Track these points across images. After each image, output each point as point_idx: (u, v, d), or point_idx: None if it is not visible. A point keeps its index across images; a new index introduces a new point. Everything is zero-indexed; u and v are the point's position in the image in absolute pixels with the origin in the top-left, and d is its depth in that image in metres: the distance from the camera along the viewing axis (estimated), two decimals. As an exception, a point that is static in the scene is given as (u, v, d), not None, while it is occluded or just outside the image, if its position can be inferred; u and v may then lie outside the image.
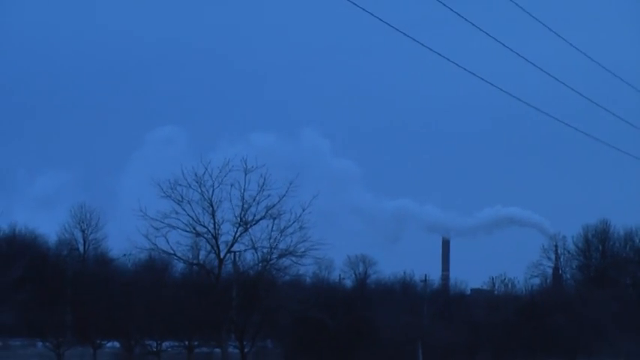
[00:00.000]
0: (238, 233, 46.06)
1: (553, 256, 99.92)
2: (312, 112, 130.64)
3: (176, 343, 48.13)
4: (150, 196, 48.00)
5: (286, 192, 44.33)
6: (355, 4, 23.93)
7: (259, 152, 47.88)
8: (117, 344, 46.83)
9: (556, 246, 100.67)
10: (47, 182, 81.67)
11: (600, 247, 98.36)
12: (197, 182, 44.50)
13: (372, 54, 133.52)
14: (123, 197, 75.86)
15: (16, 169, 79.87)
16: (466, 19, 29.27)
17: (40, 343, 45.03)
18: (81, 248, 47.46)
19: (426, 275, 74.56)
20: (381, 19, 26.44)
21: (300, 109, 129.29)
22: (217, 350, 48.10)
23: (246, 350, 47.58)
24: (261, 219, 45.43)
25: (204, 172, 44.43)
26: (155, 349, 47.05)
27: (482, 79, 34.59)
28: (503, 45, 33.07)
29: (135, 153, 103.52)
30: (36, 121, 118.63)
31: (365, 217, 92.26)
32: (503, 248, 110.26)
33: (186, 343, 47.97)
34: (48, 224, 57.91)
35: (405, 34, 29.40)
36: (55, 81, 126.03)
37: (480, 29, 30.78)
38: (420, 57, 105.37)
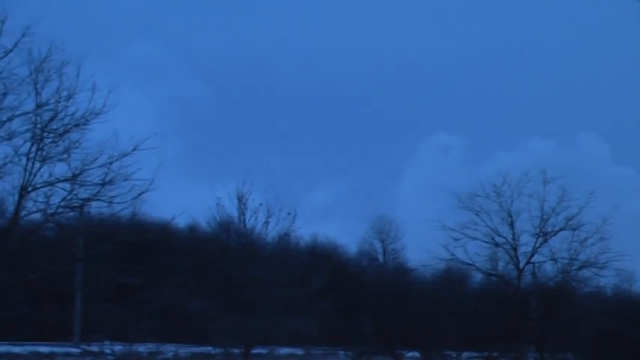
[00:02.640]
0: (538, 244, 46.04)
1: None
2: (588, 115, 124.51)
3: (475, 354, 48.26)
4: (435, 205, 48.59)
5: (586, 203, 44.05)
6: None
7: (537, 159, 47.56)
8: (416, 354, 47.41)
9: None
10: (326, 192, 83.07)
11: None
12: (496, 193, 44.89)
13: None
14: (404, 206, 76.64)
15: (295, 180, 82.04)
16: None
17: (341, 352, 46.18)
18: (380, 258, 48.32)
19: None
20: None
21: (575, 112, 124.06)
22: None
23: (547, 362, 47.32)
24: (560, 230, 45.28)
25: (503, 183, 44.81)
26: (455, 359, 47.39)
27: None
28: None
29: (411, 162, 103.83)
30: (311, 132, 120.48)
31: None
32: None
33: (485, 353, 48.03)
34: (336, 234, 59.71)
35: None
36: (328, 91, 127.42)
37: None
38: None
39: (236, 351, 37.14)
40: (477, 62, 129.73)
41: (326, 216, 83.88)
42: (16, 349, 39.05)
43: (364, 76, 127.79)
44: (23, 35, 23.89)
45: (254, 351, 38.00)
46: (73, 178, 24.82)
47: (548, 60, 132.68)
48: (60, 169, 24.83)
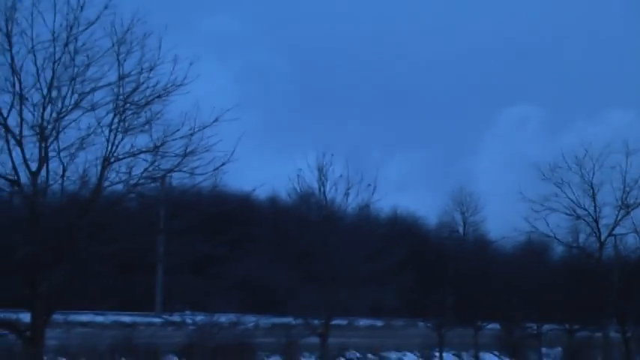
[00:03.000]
0: (620, 216, 45.78)
1: None
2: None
3: (556, 326, 48.04)
4: (516, 176, 48.08)
5: None
6: None
7: (618, 130, 47.17)
8: (497, 326, 47.32)
9: None
10: (405, 163, 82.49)
11: None
12: (577, 165, 44.63)
13: None
14: (484, 178, 76.08)
15: (374, 152, 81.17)
16: None
17: (421, 323, 46.23)
18: (460, 230, 48.25)
19: None
20: None
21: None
22: (598, 334, 47.80)
23: (628, 335, 46.95)
24: (640, 204, 44.98)
25: (585, 155, 44.46)
26: (535, 332, 47.22)
27: None
28: None
29: (488, 133, 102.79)
30: (390, 103, 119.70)
31: None
32: None
33: (566, 326, 47.78)
34: (416, 206, 59.69)
35: None
36: (405, 62, 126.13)
37: None
38: None
39: (316, 322, 37.29)
40: (555, 35, 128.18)
41: (405, 188, 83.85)
42: (99, 319, 39.87)
43: (443, 48, 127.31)
44: (105, 7, 23.86)
45: (334, 322, 38.06)
46: (155, 149, 24.93)
47: (624, 32, 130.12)
48: (142, 141, 24.95)
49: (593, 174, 45.15)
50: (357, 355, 42.68)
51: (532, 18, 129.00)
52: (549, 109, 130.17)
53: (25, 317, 25.00)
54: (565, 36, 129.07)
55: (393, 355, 44.36)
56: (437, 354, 44.48)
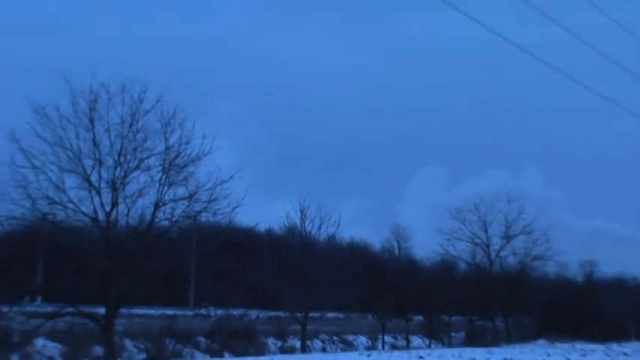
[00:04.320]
0: (503, 244, 45.91)
1: None
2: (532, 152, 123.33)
3: (461, 317, 47.87)
4: (434, 216, 47.59)
5: (536, 216, 44.38)
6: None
7: (493, 187, 47.49)
8: (421, 317, 46.97)
9: None
10: (354, 206, 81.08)
11: None
12: (475, 209, 44.71)
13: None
14: (411, 216, 75.48)
15: (334, 196, 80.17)
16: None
17: (369, 316, 45.71)
18: (396, 253, 48.02)
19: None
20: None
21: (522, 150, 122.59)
22: (489, 323, 47.69)
23: (509, 323, 46.94)
24: (519, 234, 45.23)
25: (480, 202, 44.70)
26: (447, 321, 47.03)
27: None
28: None
29: (412, 185, 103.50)
30: (343, 164, 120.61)
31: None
32: None
33: (467, 317, 47.58)
34: (366, 235, 59.28)
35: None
36: (361, 137, 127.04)
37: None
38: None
39: (298, 315, 36.75)
40: (453, 114, 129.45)
41: (358, 223, 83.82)
42: (151, 312, 39.14)
43: (376, 129, 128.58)
44: (157, 101, 23.98)
45: (310, 315, 37.56)
46: (190, 197, 24.63)
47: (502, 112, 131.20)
48: (181, 191, 24.71)
49: (486, 215, 45.38)
50: (326, 337, 41.94)
51: (437, 101, 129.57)
52: (450, 169, 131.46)
53: (101, 311, 24.66)
54: (461, 114, 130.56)
55: (350, 337, 43.62)
56: (380, 337, 43.90)
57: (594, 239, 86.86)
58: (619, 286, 64.58)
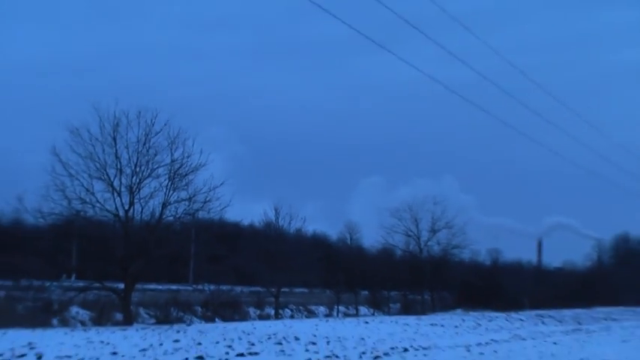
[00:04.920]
0: (430, 237, 46.68)
1: None
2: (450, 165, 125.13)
3: (397, 292, 48.43)
4: (377, 214, 47.80)
5: (455, 214, 44.80)
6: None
7: (421, 192, 47.70)
8: (367, 292, 47.50)
9: None
10: (316, 205, 79.50)
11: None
12: (409, 209, 45.32)
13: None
14: (361, 214, 74.83)
15: (295, 199, 78.88)
16: None
17: (327, 291, 45.49)
18: (349, 242, 48.62)
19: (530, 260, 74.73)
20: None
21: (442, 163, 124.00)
22: (419, 297, 47.81)
23: (434, 296, 47.49)
24: (442, 229, 46.03)
25: (412, 203, 45.38)
26: (387, 295, 47.54)
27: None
28: None
29: (359, 189, 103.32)
30: (307, 173, 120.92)
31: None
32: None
33: (403, 292, 48.04)
34: (325, 228, 59.03)
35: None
36: (321, 149, 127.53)
37: None
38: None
39: (273, 290, 37.31)
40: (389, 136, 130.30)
41: (319, 219, 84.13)
42: (159, 287, 39.13)
43: (334, 141, 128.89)
44: (165, 124, 24.52)
45: (282, 290, 37.92)
46: (190, 199, 25.01)
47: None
48: (183, 194, 25.10)
49: (417, 213, 45.77)
50: (294, 307, 42.31)
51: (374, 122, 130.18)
52: (388, 177, 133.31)
53: (121, 286, 25.21)
54: (396, 136, 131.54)
55: (313, 307, 43.72)
56: (336, 307, 44.30)
57: (498, 232, 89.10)
58: (517, 268, 65.96)
